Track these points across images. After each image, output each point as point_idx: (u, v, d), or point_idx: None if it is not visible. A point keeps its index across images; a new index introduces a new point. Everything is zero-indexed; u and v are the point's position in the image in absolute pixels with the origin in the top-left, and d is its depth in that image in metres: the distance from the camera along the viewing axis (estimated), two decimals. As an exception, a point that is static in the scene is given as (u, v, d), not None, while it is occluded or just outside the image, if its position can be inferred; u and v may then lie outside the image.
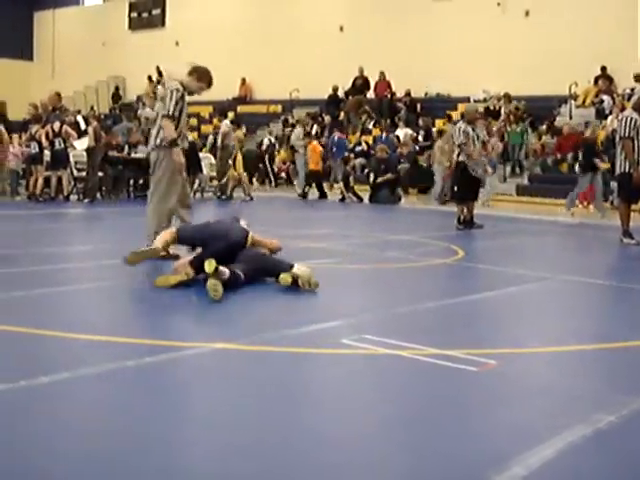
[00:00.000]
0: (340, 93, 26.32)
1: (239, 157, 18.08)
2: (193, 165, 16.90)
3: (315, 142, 20.18)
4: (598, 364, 4.82)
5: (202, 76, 7.93)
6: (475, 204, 12.88)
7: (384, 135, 22.81)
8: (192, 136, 18.51)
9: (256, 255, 6.86)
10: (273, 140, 24.43)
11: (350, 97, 25.92)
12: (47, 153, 15.40)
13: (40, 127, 15.67)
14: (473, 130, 12.31)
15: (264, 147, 23.61)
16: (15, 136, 15.73)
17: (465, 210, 12.44)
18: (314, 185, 19.33)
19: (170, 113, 7.66)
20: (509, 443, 3.31)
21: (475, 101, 23.66)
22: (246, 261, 6.62)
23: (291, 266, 6.61)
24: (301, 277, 6.55)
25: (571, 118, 21.45)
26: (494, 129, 20.35)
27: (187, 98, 7.90)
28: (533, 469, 2.98)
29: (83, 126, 17.11)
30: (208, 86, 8.01)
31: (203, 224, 7.21)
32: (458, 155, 12.37)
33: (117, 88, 33.54)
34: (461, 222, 12.33)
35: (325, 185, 19.72)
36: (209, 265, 6.09)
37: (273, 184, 23.42)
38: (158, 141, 7.85)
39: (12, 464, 2.95)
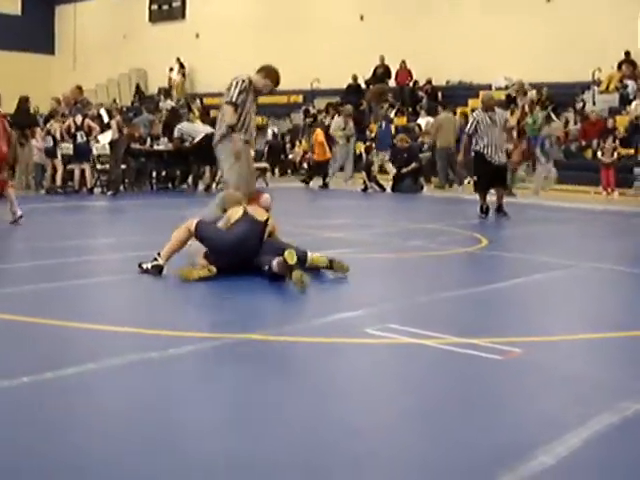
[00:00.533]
0: (361, 82, 26.22)
1: None
2: (215, 156, 16.94)
3: (319, 130, 19.91)
4: (623, 352, 4.78)
5: (269, 74, 7.93)
6: (504, 191, 12.59)
7: (383, 124, 22.36)
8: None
9: (279, 246, 6.78)
10: (276, 130, 24.30)
11: (371, 86, 25.82)
12: (69, 146, 15.46)
13: (57, 121, 15.78)
14: (490, 118, 11.91)
15: (268, 138, 23.33)
16: (38, 130, 15.80)
17: (486, 198, 12.14)
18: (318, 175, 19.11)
19: (232, 100, 7.65)
20: (535, 432, 3.29)
21: (497, 88, 23.51)
22: (272, 252, 6.56)
23: (305, 253, 6.64)
24: (335, 260, 6.59)
25: (594, 104, 21.26)
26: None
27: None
28: (560, 458, 2.97)
29: (106, 119, 17.14)
30: (275, 85, 8.00)
31: (221, 231, 6.86)
32: (475, 144, 12.10)
33: (138, 85, 33.60)
34: (483, 211, 12.16)
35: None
36: (290, 256, 6.20)
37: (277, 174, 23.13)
38: (218, 136, 7.86)
39: (38, 457, 2.97)
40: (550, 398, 3.77)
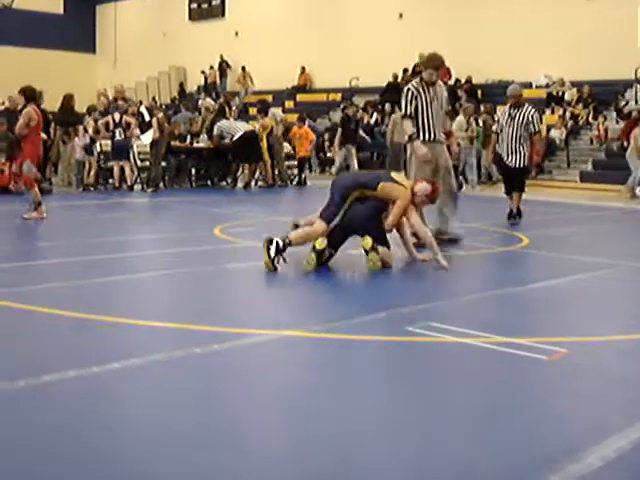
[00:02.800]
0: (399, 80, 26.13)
1: (264, 143, 17.67)
2: (254, 154, 17.01)
3: (307, 127, 19.55)
4: (671, 353, 4.71)
5: (424, 65, 8.53)
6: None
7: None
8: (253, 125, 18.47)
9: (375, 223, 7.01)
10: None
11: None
12: (107, 143, 15.61)
13: (92, 119, 16.00)
14: (510, 115, 10.83)
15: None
16: (81, 128, 15.95)
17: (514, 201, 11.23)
18: (296, 172, 18.80)
19: (404, 112, 8.47)
20: (583, 433, 3.25)
21: (537, 86, 23.33)
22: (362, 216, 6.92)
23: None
24: (373, 253, 6.69)
25: (637, 102, 20.98)
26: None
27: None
28: (609, 460, 2.93)
29: (147, 117, 17.25)
30: (434, 69, 8.43)
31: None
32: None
33: (181, 84, 33.92)
34: (510, 215, 11.19)
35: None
36: (320, 243, 6.64)
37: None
38: (406, 138, 8.55)
39: (82, 451, 3.00)
40: (597, 399, 3.72)
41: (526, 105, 11.09)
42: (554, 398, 3.74)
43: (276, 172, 17.94)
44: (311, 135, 19.48)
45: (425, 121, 8.38)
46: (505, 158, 11.06)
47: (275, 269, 6.54)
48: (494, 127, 11.74)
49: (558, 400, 3.71)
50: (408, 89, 8.45)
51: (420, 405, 3.63)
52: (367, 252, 6.72)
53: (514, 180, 11.14)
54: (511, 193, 11.30)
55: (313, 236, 6.80)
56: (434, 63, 8.38)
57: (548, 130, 21.24)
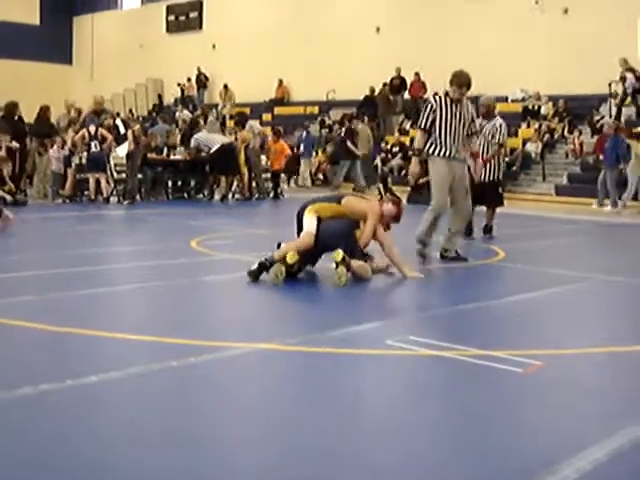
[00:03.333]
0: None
1: (242, 156, 17.49)
2: (231, 166, 16.99)
3: (282, 142, 19.73)
4: (646, 366, 4.75)
5: (452, 81, 8.33)
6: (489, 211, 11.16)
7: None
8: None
9: (349, 242, 7.00)
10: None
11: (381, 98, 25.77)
12: (84, 155, 15.51)
13: (73, 131, 15.91)
14: (480, 126, 10.14)
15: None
16: (58, 139, 15.84)
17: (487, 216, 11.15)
18: (272, 185, 18.83)
19: (419, 124, 8.41)
20: (558, 446, 3.26)
21: (513, 101, 23.51)
22: (335, 237, 6.91)
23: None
24: (342, 267, 6.62)
25: (611, 117, 21.19)
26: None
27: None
28: (585, 472, 2.94)
29: (122, 130, 17.18)
30: (459, 87, 8.26)
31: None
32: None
33: (160, 96, 33.87)
34: (466, 231, 10.46)
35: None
36: (291, 257, 6.57)
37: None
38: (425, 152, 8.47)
39: (59, 463, 2.97)
40: (573, 411, 3.75)
41: (497, 117, 11.00)
42: (530, 411, 3.76)
43: (254, 185, 17.97)
44: (286, 150, 19.56)
45: (443, 136, 8.17)
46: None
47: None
48: None
49: (534, 413, 3.73)
50: (429, 102, 8.32)
51: (397, 418, 3.63)
52: (336, 265, 6.72)
53: (482, 193, 10.50)
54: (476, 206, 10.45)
55: (306, 244, 6.89)
56: (459, 81, 8.23)
57: (524, 144, 21.44)
